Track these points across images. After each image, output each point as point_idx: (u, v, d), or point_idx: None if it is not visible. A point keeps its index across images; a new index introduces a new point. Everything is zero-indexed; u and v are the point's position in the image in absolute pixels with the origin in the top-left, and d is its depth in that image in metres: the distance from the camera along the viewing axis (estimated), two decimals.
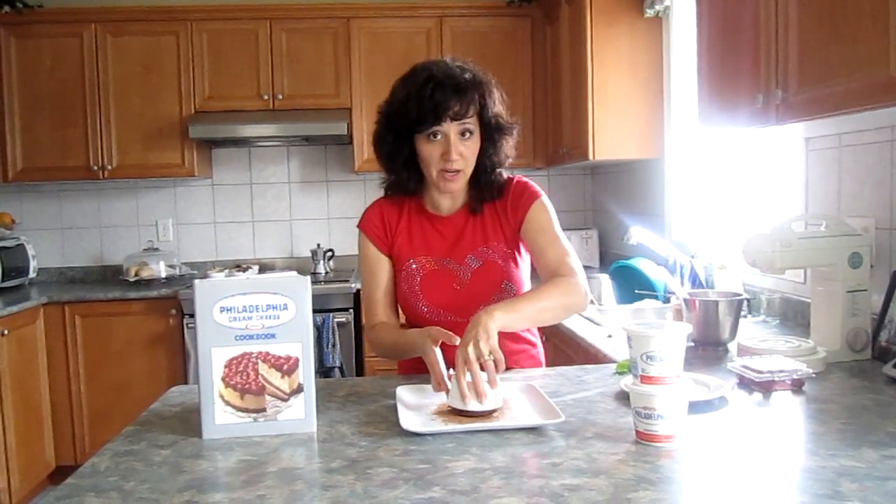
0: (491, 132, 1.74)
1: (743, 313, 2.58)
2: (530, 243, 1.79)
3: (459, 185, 1.75)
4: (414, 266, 1.80)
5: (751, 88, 1.96)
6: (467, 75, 1.70)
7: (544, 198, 1.81)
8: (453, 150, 1.67)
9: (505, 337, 1.60)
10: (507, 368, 1.71)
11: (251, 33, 4.21)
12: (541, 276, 1.76)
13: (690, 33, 2.68)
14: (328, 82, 4.26)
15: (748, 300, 2.48)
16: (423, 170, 1.74)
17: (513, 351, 1.82)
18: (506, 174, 1.85)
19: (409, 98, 1.68)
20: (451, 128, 1.67)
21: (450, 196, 1.81)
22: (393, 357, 1.83)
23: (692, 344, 2.03)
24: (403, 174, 1.78)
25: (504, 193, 1.82)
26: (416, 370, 1.78)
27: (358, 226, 1.87)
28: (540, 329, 2.01)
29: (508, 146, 1.79)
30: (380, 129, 1.79)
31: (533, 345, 1.93)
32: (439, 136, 1.68)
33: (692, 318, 2.07)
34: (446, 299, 1.78)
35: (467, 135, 1.70)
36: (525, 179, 1.85)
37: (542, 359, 1.96)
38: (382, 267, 1.84)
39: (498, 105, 1.74)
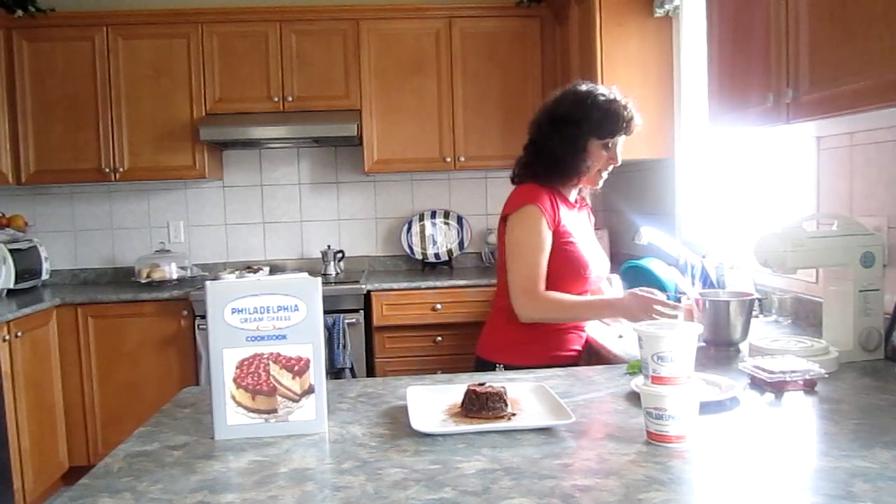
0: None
1: (755, 313, 2.57)
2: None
3: (599, 184, 2.27)
4: (574, 239, 2.18)
5: (761, 87, 1.95)
6: (632, 104, 2.19)
7: None
8: (619, 156, 2.19)
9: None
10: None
11: (261, 35, 4.22)
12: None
13: (700, 32, 2.67)
14: (338, 84, 4.27)
15: (759, 300, 2.47)
16: (586, 167, 2.18)
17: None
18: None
19: (607, 112, 2.14)
20: (620, 139, 2.19)
21: (576, 189, 2.30)
22: (565, 320, 2.20)
23: (703, 344, 2.03)
24: (572, 169, 2.18)
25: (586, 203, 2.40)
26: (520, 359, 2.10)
27: (529, 201, 2.14)
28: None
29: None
30: (570, 128, 2.16)
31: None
32: (611, 146, 2.17)
33: (702, 318, 2.06)
34: (597, 267, 2.26)
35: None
36: None
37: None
38: (549, 241, 2.15)
39: None
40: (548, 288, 2.14)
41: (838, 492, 1.05)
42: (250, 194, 4.67)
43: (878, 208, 2.10)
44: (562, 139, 2.16)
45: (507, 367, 2.08)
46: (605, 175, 2.25)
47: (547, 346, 2.21)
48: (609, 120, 2.14)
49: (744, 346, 2.03)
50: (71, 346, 3.88)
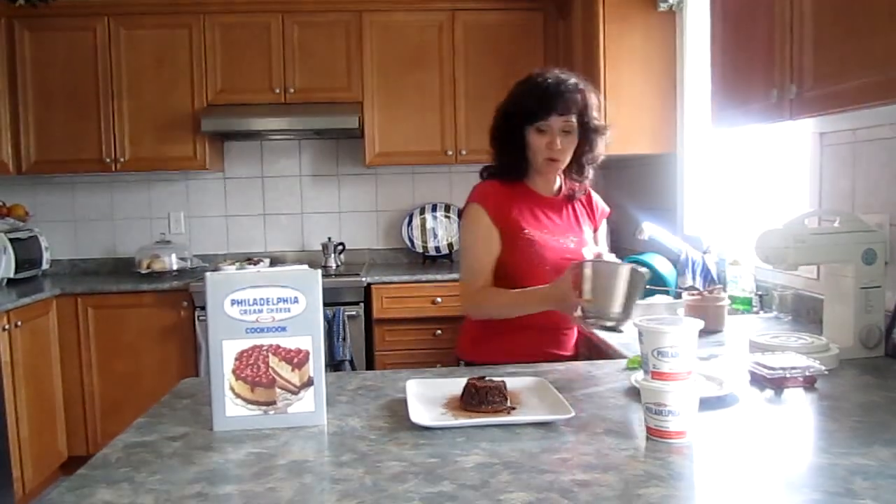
0: (588, 132, 2.06)
1: (755, 308, 2.57)
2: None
3: (557, 171, 2.10)
4: (528, 232, 2.04)
5: (765, 83, 1.94)
6: (572, 81, 2.03)
7: None
8: (557, 139, 2.00)
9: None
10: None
11: (263, 27, 4.21)
12: None
13: (704, 27, 2.66)
14: (340, 76, 4.26)
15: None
16: (531, 157, 2.05)
17: (568, 334, 2.16)
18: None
19: (526, 96, 2.02)
20: (556, 122, 1.99)
21: (546, 181, 2.12)
22: (500, 315, 2.05)
23: (579, 313, 1.82)
24: (514, 160, 2.07)
25: (587, 195, 2.22)
26: (480, 357, 2.03)
27: (472, 200, 2.09)
28: None
29: (601, 146, 2.11)
30: (499, 123, 2.10)
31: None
32: (546, 129, 2.00)
33: (582, 283, 1.80)
34: (561, 262, 2.01)
35: (569, 130, 2.01)
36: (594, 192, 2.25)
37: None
38: (494, 237, 2.04)
39: (595, 109, 2.06)
40: (507, 284, 2.01)
41: (837, 489, 1.04)
42: (251, 186, 4.67)
43: (880, 205, 2.09)
44: (500, 133, 2.09)
45: (467, 364, 2.06)
46: (561, 164, 2.05)
47: (501, 343, 2.05)
48: (529, 102, 2.01)
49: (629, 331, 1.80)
50: (71, 337, 3.88)
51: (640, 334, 1.28)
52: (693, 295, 2.35)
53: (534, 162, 2.06)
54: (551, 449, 1.23)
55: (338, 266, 4.44)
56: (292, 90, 4.22)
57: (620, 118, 3.50)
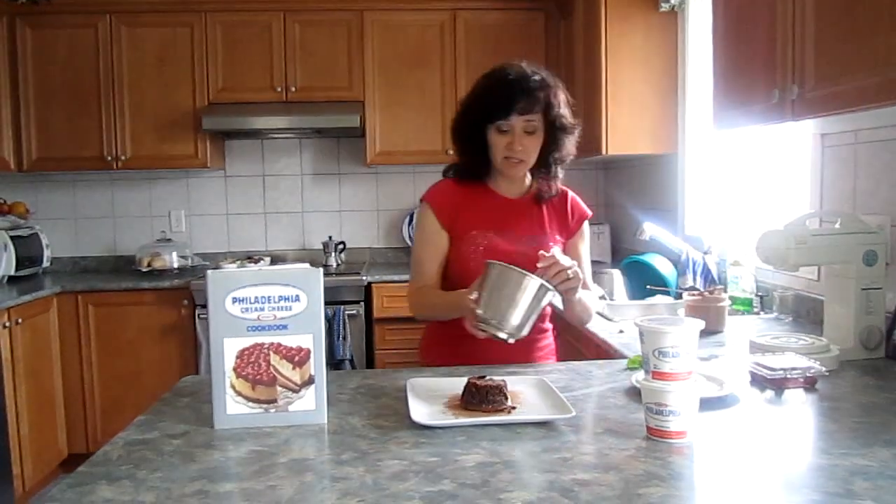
0: (555, 131, 1.93)
1: (756, 309, 2.57)
2: (571, 252, 2.01)
3: (520, 173, 1.99)
4: (476, 234, 1.95)
5: (766, 84, 1.94)
6: (537, 77, 1.91)
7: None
8: (517, 141, 1.88)
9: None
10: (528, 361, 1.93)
11: (265, 25, 4.21)
12: None
13: (706, 27, 2.66)
14: (341, 75, 4.26)
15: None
16: (491, 157, 1.94)
17: (538, 338, 2.02)
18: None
19: (486, 92, 1.92)
20: (517, 121, 1.88)
21: (512, 181, 2.01)
22: (432, 316, 2.01)
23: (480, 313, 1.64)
24: (475, 159, 1.98)
25: (562, 198, 2.05)
26: (441, 359, 1.93)
27: (423, 199, 2.03)
28: (553, 322, 2.13)
29: (570, 145, 1.98)
30: (458, 119, 2.00)
31: (548, 330, 2.09)
32: (507, 129, 1.88)
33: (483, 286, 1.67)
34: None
35: (532, 131, 1.89)
36: (575, 195, 2.09)
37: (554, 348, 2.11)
38: (440, 238, 1.98)
39: (563, 107, 1.93)
40: (453, 286, 1.90)
41: (838, 489, 1.04)
42: (252, 184, 4.67)
43: (881, 206, 2.10)
44: (460, 130, 1.99)
45: (424, 366, 1.96)
46: (524, 165, 1.93)
47: (455, 347, 1.92)
48: (489, 100, 1.90)
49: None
50: (71, 334, 3.88)
51: (641, 334, 1.28)
52: (694, 295, 2.35)
53: (494, 162, 1.95)
54: (552, 448, 1.23)
55: (338, 265, 4.44)
56: (293, 89, 4.22)
57: (622, 118, 3.51)
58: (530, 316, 1.61)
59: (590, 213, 2.09)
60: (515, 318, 1.60)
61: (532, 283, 1.60)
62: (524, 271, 1.61)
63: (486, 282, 1.63)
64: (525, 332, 1.63)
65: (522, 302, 1.60)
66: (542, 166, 1.98)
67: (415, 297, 1.99)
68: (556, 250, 1.83)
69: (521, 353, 1.91)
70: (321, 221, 4.70)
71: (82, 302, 3.89)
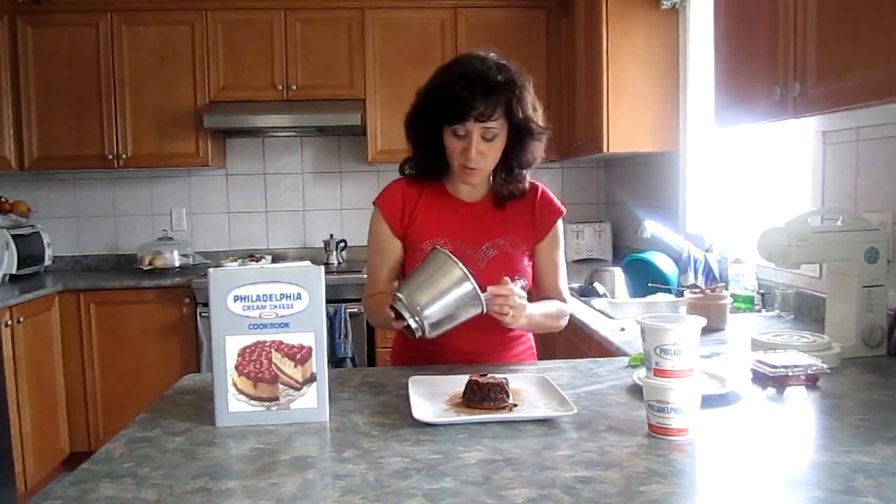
0: (520, 134, 1.76)
1: (757, 307, 2.57)
2: (541, 255, 1.90)
3: (477, 180, 1.82)
4: (429, 243, 1.77)
5: (768, 81, 1.94)
6: (500, 77, 1.71)
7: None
8: (473, 148, 1.71)
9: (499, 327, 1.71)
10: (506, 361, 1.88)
11: (266, 23, 4.21)
12: (536, 285, 1.90)
13: (707, 25, 2.66)
14: (342, 73, 4.26)
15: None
16: (448, 158, 1.79)
17: (511, 338, 1.91)
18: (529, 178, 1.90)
19: (440, 91, 1.72)
20: (474, 128, 1.70)
21: (470, 185, 1.86)
22: (386, 324, 1.70)
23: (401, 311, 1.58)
24: (429, 159, 1.83)
25: (529, 196, 1.89)
26: (409, 362, 1.87)
27: (375, 202, 1.90)
28: None
29: (536, 149, 1.81)
30: (412, 113, 1.82)
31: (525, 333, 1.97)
32: (463, 133, 1.72)
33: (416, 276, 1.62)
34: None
35: (490, 137, 1.73)
36: (548, 190, 1.93)
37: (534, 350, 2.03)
38: (393, 247, 1.87)
39: (528, 108, 1.75)
40: None
41: (839, 487, 1.04)
42: (253, 183, 4.67)
43: (883, 204, 2.09)
44: (413, 126, 1.82)
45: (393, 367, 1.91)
46: (481, 171, 1.77)
47: (401, 351, 1.94)
48: (442, 101, 1.71)
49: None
50: (73, 333, 3.89)
51: (643, 332, 1.28)
52: (695, 293, 2.35)
53: (450, 165, 1.79)
54: (554, 446, 1.23)
55: (339, 263, 4.44)
56: (295, 87, 4.22)
57: (623, 116, 3.51)
58: (449, 319, 1.55)
59: (563, 210, 1.92)
60: (432, 311, 1.52)
61: (466, 286, 1.52)
62: (467, 272, 1.52)
63: (422, 265, 1.58)
64: (436, 332, 1.56)
65: (447, 299, 1.53)
66: (504, 171, 1.82)
67: (368, 306, 1.90)
68: (518, 286, 1.63)
69: (497, 355, 1.86)
70: (322, 219, 4.70)
71: (84, 300, 3.90)
